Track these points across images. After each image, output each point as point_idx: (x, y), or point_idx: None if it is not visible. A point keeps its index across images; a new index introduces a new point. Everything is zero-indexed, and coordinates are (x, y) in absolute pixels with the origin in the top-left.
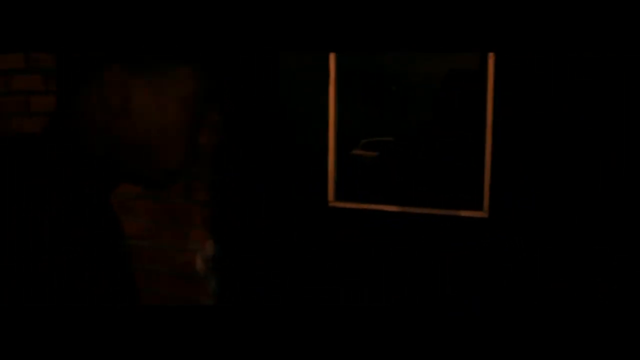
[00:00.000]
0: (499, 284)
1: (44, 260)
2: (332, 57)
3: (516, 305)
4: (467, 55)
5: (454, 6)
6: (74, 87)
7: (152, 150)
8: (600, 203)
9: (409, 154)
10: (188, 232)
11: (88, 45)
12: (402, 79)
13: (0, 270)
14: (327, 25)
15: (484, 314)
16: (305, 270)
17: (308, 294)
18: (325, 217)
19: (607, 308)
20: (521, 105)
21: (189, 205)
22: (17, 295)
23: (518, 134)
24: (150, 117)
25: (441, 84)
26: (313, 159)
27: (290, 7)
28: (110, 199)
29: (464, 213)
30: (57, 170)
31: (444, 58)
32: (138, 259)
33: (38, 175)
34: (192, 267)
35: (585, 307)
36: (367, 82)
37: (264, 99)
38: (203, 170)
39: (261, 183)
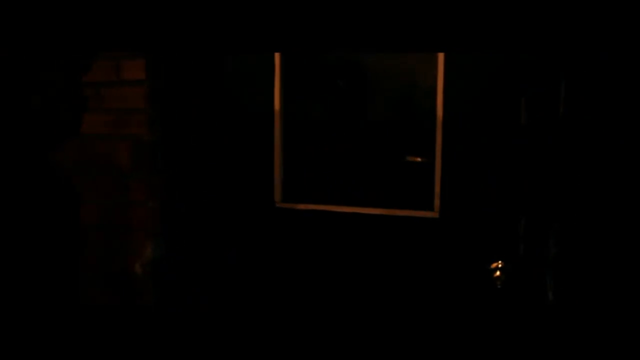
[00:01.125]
0: (450, 284)
1: None
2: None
3: (466, 305)
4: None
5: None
6: None
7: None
8: (553, 204)
9: (358, 153)
10: (125, 234)
11: None
12: (352, 73)
13: None
14: (273, 27)
15: (433, 315)
16: (250, 274)
17: (253, 299)
18: (271, 219)
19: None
20: (471, 102)
21: (125, 206)
22: None
23: (469, 132)
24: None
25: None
26: (258, 158)
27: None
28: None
29: (415, 213)
30: None
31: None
32: None
33: None
34: (130, 271)
35: (539, 305)
36: (314, 76)
37: (206, 94)
38: (140, 168)
39: (204, 183)
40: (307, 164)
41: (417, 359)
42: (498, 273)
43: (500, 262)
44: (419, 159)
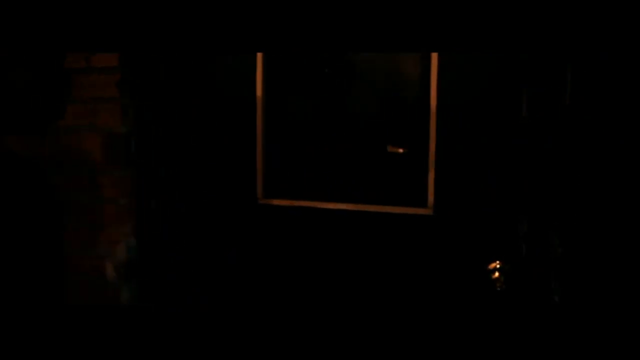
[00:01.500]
0: (445, 286)
1: None
2: None
3: (460, 303)
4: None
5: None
6: None
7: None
8: (557, 200)
9: (346, 147)
10: (95, 234)
11: None
12: (339, 64)
13: None
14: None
15: (427, 315)
16: (230, 276)
17: (234, 302)
18: (254, 216)
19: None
20: (467, 94)
21: (96, 203)
22: None
23: (464, 126)
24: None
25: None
26: (240, 152)
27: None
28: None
29: (407, 210)
30: None
31: None
32: None
33: None
34: (101, 274)
35: (542, 309)
36: (299, 68)
37: (185, 84)
38: (112, 162)
39: (181, 178)
40: (291, 159)
41: None
42: (497, 274)
43: (498, 262)
44: (400, 151)
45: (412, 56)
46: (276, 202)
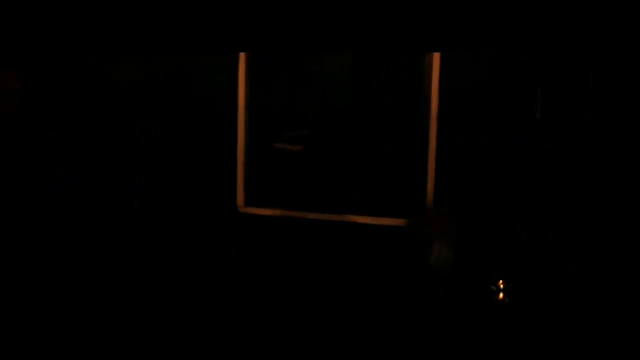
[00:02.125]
0: (438, 306)
1: None
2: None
3: (460, 317)
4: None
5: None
6: None
7: None
8: (543, 215)
9: (336, 152)
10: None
11: None
12: (327, 61)
13: None
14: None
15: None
16: (209, 290)
17: (213, 314)
18: (234, 226)
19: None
20: (469, 96)
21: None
22: None
23: (466, 137)
24: None
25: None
26: (220, 157)
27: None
28: None
29: (403, 223)
30: None
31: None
32: None
33: None
34: None
35: (529, 311)
36: (286, 63)
37: (164, 88)
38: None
39: (163, 186)
40: (276, 165)
41: None
42: (501, 296)
43: (501, 281)
44: (396, 156)
45: (413, 56)
46: (258, 211)
